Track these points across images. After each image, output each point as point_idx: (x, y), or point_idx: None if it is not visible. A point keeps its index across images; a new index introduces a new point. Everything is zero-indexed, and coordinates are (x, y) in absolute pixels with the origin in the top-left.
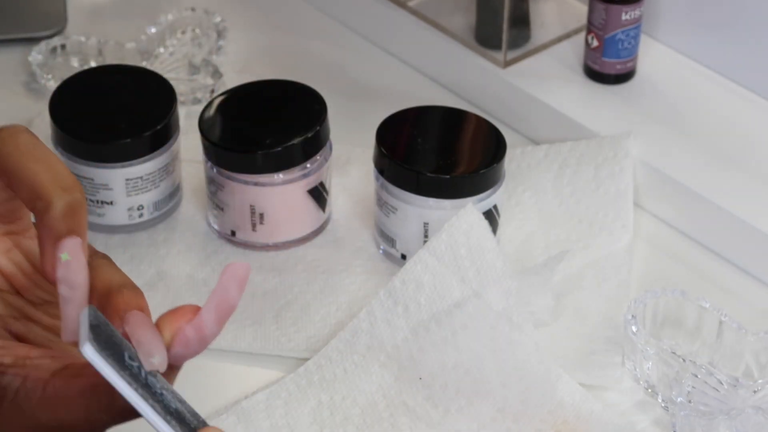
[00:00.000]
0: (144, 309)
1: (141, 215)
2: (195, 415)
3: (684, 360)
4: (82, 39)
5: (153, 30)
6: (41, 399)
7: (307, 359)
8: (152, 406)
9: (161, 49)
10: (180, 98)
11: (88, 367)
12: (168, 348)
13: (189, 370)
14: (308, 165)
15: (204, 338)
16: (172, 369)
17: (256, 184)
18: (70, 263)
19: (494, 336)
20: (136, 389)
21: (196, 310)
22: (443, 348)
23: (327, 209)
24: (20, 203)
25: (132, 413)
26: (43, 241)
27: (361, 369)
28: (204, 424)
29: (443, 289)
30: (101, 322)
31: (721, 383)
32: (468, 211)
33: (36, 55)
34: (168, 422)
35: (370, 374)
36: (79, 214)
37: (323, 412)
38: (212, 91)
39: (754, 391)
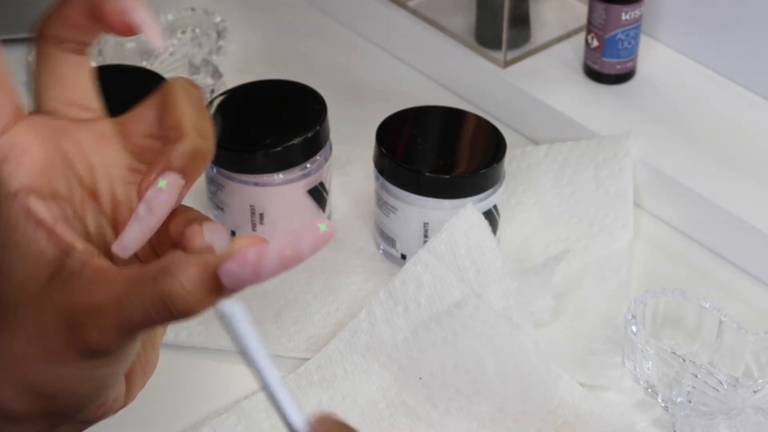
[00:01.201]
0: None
1: None
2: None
3: (684, 360)
4: None
5: None
6: (87, 280)
7: (307, 359)
8: (279, 380)
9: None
10: None
11: (141, 263)
12: (225, 260)
13: (189, 369)
14: (308, 165)
15: (259, 269)
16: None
17: (256, 184)
18: (162, 191)
19: (494, 336)
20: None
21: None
22: (443, 348)
23: (327, 209)
24: (161, 151)
25: (171, 312)
26: (156, 162)
27: (361, 369)
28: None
29: (443, 289)
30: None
31: (721, 383)
32: (468, 211)
33: None
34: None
35: (370, 374)
36: (199, 162)
37: None
38: (212, 91)
39: (754, 391)
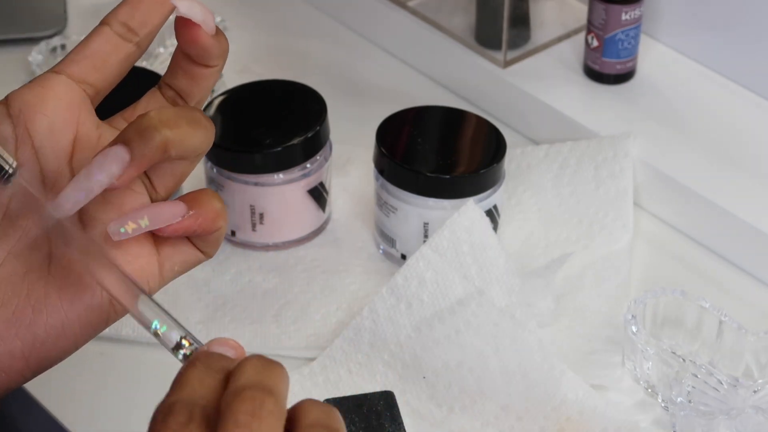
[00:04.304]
0: None
1: None
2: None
3: (684, 360)
4: (82, 39)
5: None
6: None
7: (307, 357)
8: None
9: (161, 49)
10: None
11: None
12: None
13: None
14: (308, 165)
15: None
16: None
17: (256, 184)
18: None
19: (497, 333)
20: None
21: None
22: (447, 346)
23: (327, 209)
24: None
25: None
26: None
27: (366, 369)
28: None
29: (446, 285)
30: None
31: (721, 383)
32: (469, 207)
33: (36, 55)
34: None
35: (375, 374)
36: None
37: None
38: (212, 91)
39: (754, 391)
